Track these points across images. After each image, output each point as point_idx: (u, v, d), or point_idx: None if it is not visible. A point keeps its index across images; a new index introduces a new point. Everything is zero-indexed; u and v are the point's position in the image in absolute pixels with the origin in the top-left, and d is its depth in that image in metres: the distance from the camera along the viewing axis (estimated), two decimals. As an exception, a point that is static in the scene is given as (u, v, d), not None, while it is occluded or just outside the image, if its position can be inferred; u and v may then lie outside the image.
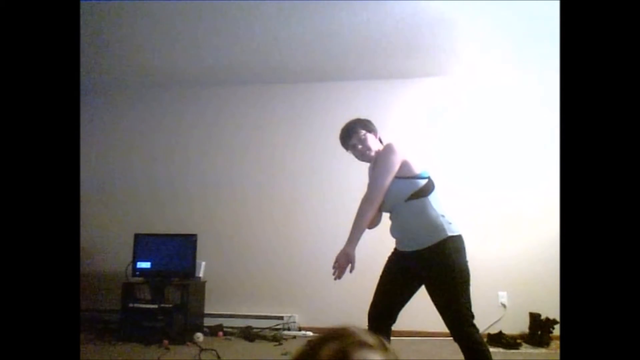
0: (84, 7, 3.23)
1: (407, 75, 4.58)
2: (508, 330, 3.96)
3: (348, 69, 4.50)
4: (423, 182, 2.21)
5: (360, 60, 4.30)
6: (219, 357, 3.45)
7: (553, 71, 4.10)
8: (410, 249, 2.21)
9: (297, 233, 4.55)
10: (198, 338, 3.94)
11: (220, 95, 4.99)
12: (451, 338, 2.13)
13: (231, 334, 4.19)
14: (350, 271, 2.19)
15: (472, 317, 2.09)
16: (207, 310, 4.41)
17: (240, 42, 3.97)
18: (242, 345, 3.90)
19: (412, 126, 4.56)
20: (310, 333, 4.15)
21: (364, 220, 2.20)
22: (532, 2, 3.28)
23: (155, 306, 4.05)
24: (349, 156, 2.45)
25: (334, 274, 2.14)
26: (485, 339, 2.33)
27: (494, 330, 3.98)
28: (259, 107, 4.91)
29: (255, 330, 4.19)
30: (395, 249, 2.34)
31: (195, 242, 4.37)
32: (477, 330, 2.09)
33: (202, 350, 3.60)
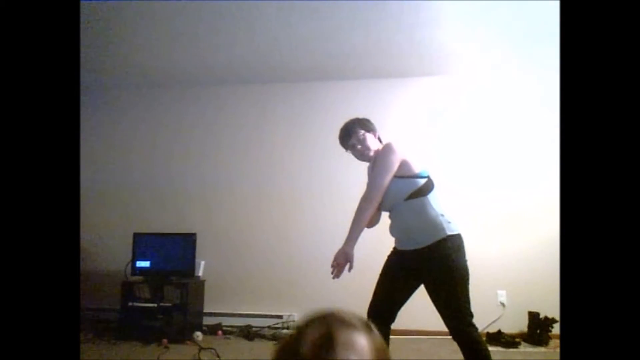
0: (83, 6, 3.23)
1: (406, 74, 4.58)
2: (507, 329, 3.97)
3: (348, 68, 4.50)
4: (422, 181, 2.21)
5: (360, 59, 4.30)
6: (218, 356, 3.45)
7: (553, 71, 4.11)
8: (409, 248, 2.21)
9: (296, 232, 4.55)
10: (197, 337, 3.94)
11: (219, 94, 4.98)
12: (450, 337, 2.13)
13: (230, 332, 4.19)
14: (349, 270, 2.19)
15: (471, 316, 2.10)
16: (206, 309, 4.42)
17: (240, 41, 3.97)
18: (241, 344, 3.91)
19: (411, 125, 4.56)
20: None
21: (363, 219, 2.20)
22: (532, 2, 3.28)
23: (155, 305, 4.05)
24: (348, 155, 2.45)
25: (332, 272, 2.15)
26: (484, 338, 2.34)
27: (493, 329, 3.98)
28: (259, 106, 4.91)
29: (254, 329, 4.19)
30: (395, 248, 2.35)
31: (194, 241, 4.37)
32: (476, 329, 2.09)
33: (201, 349, 3.60)
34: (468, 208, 4.23)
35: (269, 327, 4.26)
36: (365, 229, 2.28)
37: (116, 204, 4.89)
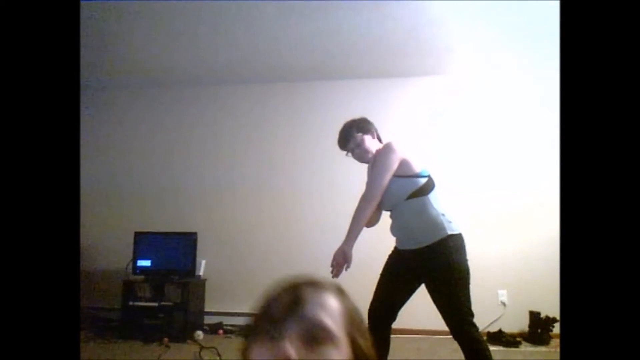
0: (83, 6, 3.23)
1: (407, 74, 4.58)
2: (508, 329, 3.97)
3: (348, 67, 4.50)
4: (423, 180, 2.21)
5: (360, 59, 4.30)
6: (219, 355, 3.45)
7: (553, 71, 4.10)
8: (410, 248, 2.21)
9: (297, 231, 4.55)
10: (198, 336, 3.94)
11: (220, 94, 4.98)
12: (451, 336, 2.13)
13: (231, 332, 4.19)
14: (346, 269, 2.20)
15: (472, 315, 2.10)
16: (207, 308, 4.42)
17: (240, 41, 3.97)
18: (242, 343, 3.90)
19: (412, 125, 4.56)
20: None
21: (362, 218, 2.21)
22: (532, 2, 3.27)
23: (156, 304, 4.05)
24: (348, 156, 2.45)
25: (332, 272, 2.15)
26: (485, 337, 2.34)
27: (493, 329, 3.98)
28: (259, 106, 4.91)
29: (255, 328, 4.19)
30: (396, 248, 2.35)
31: (195, 240, 4.37)
32: (476, 328, 2.09)
33: (202, 348, 3.61)
34: (469, 207, 4.22)
35: (269, 326, 4.25)
36: (366, 228, 2.29)
37: (117, 203, 4.89)
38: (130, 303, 4.07)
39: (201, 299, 4.39)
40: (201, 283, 4.43)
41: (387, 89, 4.67)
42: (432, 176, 2.28)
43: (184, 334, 3.92)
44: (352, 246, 2.19)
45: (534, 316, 3.95)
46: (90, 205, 4.69)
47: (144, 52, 4.24)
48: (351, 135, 2.37)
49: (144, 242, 4.42)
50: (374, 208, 2.23)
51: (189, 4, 3.38)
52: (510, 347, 3.75)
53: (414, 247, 2.19)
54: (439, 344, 3.65)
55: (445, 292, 2.12)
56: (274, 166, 4.75)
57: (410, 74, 4.57)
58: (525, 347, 3.79)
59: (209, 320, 4.35)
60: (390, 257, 2.35)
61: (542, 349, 3.76)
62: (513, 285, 4.18)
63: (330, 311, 0.69)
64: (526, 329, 4.00)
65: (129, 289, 4.16)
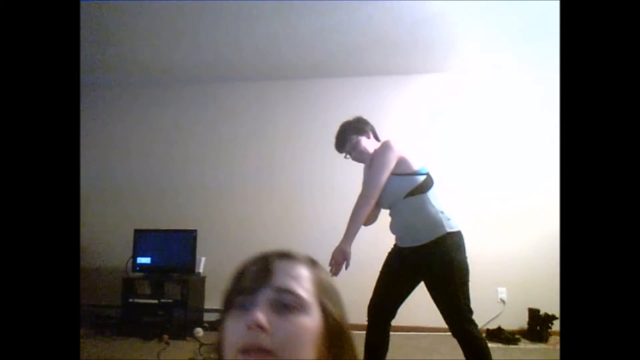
0: (83, 4, 3.22)
1: (407, 72, 4.57)
2: (507, 326, 3.97)
3: (348, 65, 4.49)
4: (421, 178, 2.22)
5: (360, 56, 4.29)
6: (218, 352, 3.45)
7: (553, 70, 4.09)
8: (409, 245, 2.21)
9: (296, 229, 4.55)
10: (198, 333, 3.95)
11: (220, 92, 4.98)
12: (450, 334, 2.14)
13: (231, 329, 4.19)
14: (346, 268, 2.20)
15: (471, 312, 2.10)
16: (207, 306, 4.42)
17: (241, 39, 3.96)
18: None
19: (412, 123, 4.55)
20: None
21: (360, 216, 2.21)
22: (532, 1, 3.27)
23: (155, 301, 4.06)
24: (348, 154, 2.45)
25: (330, 270, 2.15)
26: (484, 335, 2.34)
27: (493, 326, 3.99)
28: (259, 104, 4.90)
29: (254, 325, 4.19)
30: (395, 245, 2.35)
31: (195, 237, 4.37)
32: (476, 325, 2.10)
33: (202, 345, 3.61)
34: (468, 205, 4.22)
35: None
36: (365, 227, 2.29)
37: (117, 201, 4.89)
38: (130, 300, 4.07)
39: (201, 296, 4.40)
40: (201, 280, 4.43)
41: (387, 86, 4.67)
42: (431, 174, 2.28)
43: (183, 331, 3.93)
44: (350, 244, 2.19)
45: (533, 313, 3.95)
46: (90, 203, 4.69)
47: (145, 50, 4.23)
48: (346, 138, 2.37)
49: (143, 239, 4.42)
50: (372, 206, 2.23)
51: (189, 3, 3.37)
52: (509, 344, 3.75)
53: (413, 244, 2.19)
54: (439, 341, 3.66)
55: (444, 290, 2.13)
56: (274, 163, 4.75)
57: (410, 71, 4.57)
58: (525, 345, 3.80)
59: (208, 317, 4.35)
60: (390, 254, 2.35)
61: (541, 346, 3.77)
62: (512, 283, 4.19)
63: (300, 279, 0.70)
64: (525, 326, 4.01)
65: (128, 286, 4.16)
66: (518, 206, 4.29)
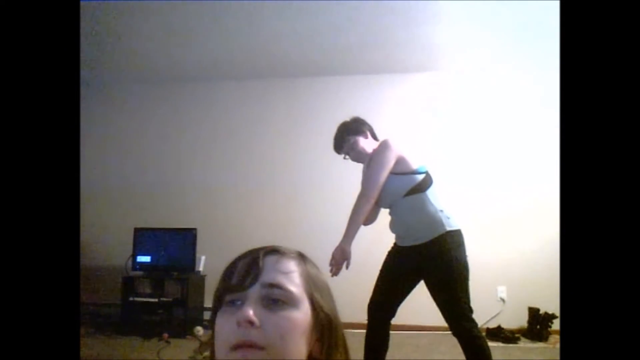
0: (83, 4, 3.22)
1: (406, 70, 4.57)
2: (507, 325, 3.97)
3: (347, 63, 4.49)
4: (420, 177, 2.22)
5: (359, 55, 4.29)
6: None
7: (553, 69, 4.09)
8: (409, 244, 2.21)
9: (296, 228, 4.54)
10: (198, 332, 3.95)
11: (219, 90, 4.98)
12: (450, 332, 2.14)
13: (231, 328, 4.19)
14: (347, 267, 2.20)
15: (471, 311, 2.10)
16: (207, 304, 4.43)
17: (240, 37, 3.96)
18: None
19: (411, 121, 4.55)
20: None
21: (360, 216, 2.21)
22: (531, 0, 3.28)
23: (155, 300, 4.06)
24: (348, 152, 2.45)
25: (330, 271, 2.15)
26: (484, 334, 2.34)
27: (492, 325, 3.99)
28: (259, 102, 4.90)
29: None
30: (395, 244, 2.35)
31: (195, 236, 4.37)
32: (475, 324, 2.10)
33: (202, 344, 3.61)
34: (468, 204, 4.22)
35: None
36: (364, 226, 2.29)
37: (117, 199, 4.89)
38: (130, 299, 4.08)
39: (201, 294, 4.40)
40: (201, 279, 4.43)
41: (387, 85, 4.67)
42: (431, 172, 2.28)
43: (183, 330, 3.93)
44: (350, 244, 2.19)
45: (533, 312, 3.96)
46: (90, 201, 4.68)
47: (144, 48, 4.23)
48: (344, 139, 2.38)
49: (143, 238, 4.42)
50: (371, 206, 2.23)
51: (188, 2, 3.37)
52: (509, 343, 3.76)
53: (412, 243, 2.19)
54: (438, 340, 3.66)
55: (444, 289, 2.13)
56: (274, 162, 4.75)
57: (409, 70, 4.56)
58: (524, 343, 3.80)
59: (208, 316, 4.34)
60: (390, 253, 2.36)
61: (541, 345, 3.77)
62: (512, 282, 4.19)
63: (289, 274, 0.70)
64: (525, 325, 4.01)
65: (128, 284, 4.17)
66: (518, 205, 4.29)
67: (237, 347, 0.63)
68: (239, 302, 0.67)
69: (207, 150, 4.89)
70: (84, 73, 4.63)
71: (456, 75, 4.59)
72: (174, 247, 4.40)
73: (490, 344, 2.15)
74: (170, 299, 4.07)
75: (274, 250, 0.74)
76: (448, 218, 2.16)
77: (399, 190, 2.20)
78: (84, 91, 4.75)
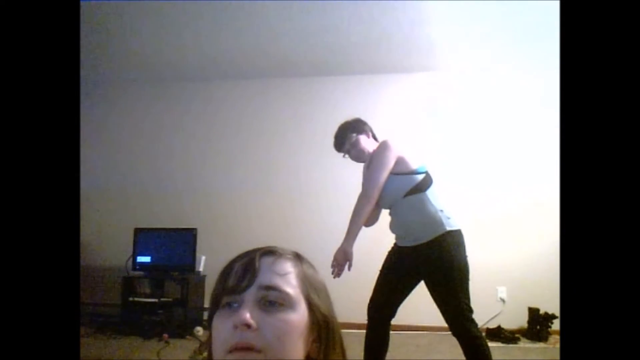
0: (83, 4, 3.22)
1: (407, 70, 4.57)
2: (507, 325, 3.97)
3: (348, 63, 4.49)
4: (420, 177, 2.22)
5: (360, 54, 4.29)
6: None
7: (553, 68, 4.09)
8: (409, 244, 2.21)
9: (297, 228, 4.55)
10: (198, 332, 3.95)
11: (220, 90, 4.98)
12: (450, 333, 2.14)
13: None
14: (349, 269, 2.20)
15: (471, 311, 2.10)
16: (207, 305, 4.39)
17: (241, 36, 3.96)
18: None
19: (411, 121, 4.55)
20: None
21: (361, 216, 2.20)
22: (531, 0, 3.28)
23: (155, 300, 4.06)
24: (348, 152, 2.45)
25: (332, 272, 2.14)
26: (484, 334, 2.34)
27: (492, 325, 3.99)
28: (259, 101, 4.90)
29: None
30: (395, 244, 2.35)
31: (195, 236, 4.37)
32: (475, 325, 2.10)
33: (201, 344, 3.61)
34: (468, 204, 4.22)
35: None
36: (363, 227, 2.28)
37: (117, 199, 4.89)
38: (130, 299, 4.07)
39: (201, 295, 4.39)
40: (201, 279, 4.43)
41: (387, 84, 4.67)
42: (431, 172, 2.28)
43: (183, 330, 3.93)
44: (352, 245, 2.19)
45: (533, 313, 3.95)
46: (90, 201, 4.69)
47: (144, 49, 4.23)
48: (346, 136, 2.37)
49: (143, 238, 4.42)
50: (372, 206, 2.23)
51: (189, 2, 3.37)
52: (509, 343, 3.75)
53: (413, 243, 2.19)
54: (438, 341, 3.66)
55: (444, 289, 2.13)
56: (274, 161, 4.75)
57: (409, 70, 4.56)
58: (524, 344, 3.80)
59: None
60: (390, 253, 2.36)
61: (541, 345, 3.77)
62: (512, 282, 4.19)
63: (285, 276, 0.70)
64: (525, 325, 4.01)
65: (128, 285, 4.16)
66: (518, 205, 4.29)
67: (234, 349, 0.63)
68: (235, 305, 0.67)
69: (208, 150, 4.89)
70: (84, 73, 4.63)
71: (456, 75, 4.58)
72: (174, 247, 4.40)
73: (490, 344, 2.15)
74: (170, 299, 4.07)
75: (270, 252, 0.74)
76: (448, 218, 2.16)
77: (399, 191, 2.20)
78: (84, 91, 4.76)
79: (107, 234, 4.76)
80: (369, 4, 3.39)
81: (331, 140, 2.44)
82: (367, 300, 2.30)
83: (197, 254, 4.39)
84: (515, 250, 4.22)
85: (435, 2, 3.37)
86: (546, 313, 3.86)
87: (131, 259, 4.35)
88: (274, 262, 0.72)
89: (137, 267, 4.33)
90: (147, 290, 4.16)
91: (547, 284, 3.88)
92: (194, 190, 4.81)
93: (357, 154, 2.38)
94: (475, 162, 4.43)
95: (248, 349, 0.62)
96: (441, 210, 2.16)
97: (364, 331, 2.26)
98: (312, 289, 0.72)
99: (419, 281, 2.25)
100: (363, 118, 2.49)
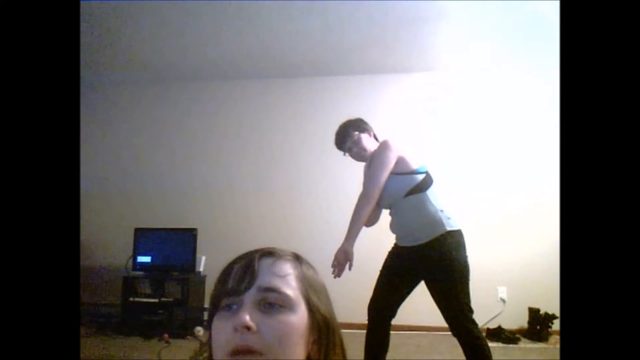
0: (83, 2, 3.22)
1: (407, 70, 4.57)
2: (507, 325, 3.97)
3: (348, 63, 4.49)
4: (420, 177, 2.21)
5: (360, 54, 4.29)
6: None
7: (553, 69, 4.10)
8: (409, 244, 2.21)
9: (297, 228, 4.55)
10: (198, 332, 3.95)
11: (220, 90, 4.98)
12: (450, 333, 2.13)
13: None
14: (349, 269, 2.19)
15: (471, 312, 2.10)
16: (207, 305, 4.39)
17: (241, 37, 3.96)
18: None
19: (411, 121, 4.55)
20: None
21: (362, 216, 2.20)
22: (529, 0, 3.28)
23: (156, 300, 4.06)
24: (348, 152, 2.45)
25: (333, 272, 2.14)
26: (484, 334, 2.33)
27: (493, 325, 3.99)
28: (260, 102, 4.90)
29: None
30: (395, 244, 2.35)
31: (195, 236, 4.37)
32: (476, 325, 2.10)
33: (202, 344, 3.61)
34: (469, 204, 4.22)
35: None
36: (364, 227, 2.28)
37: (117, 199, 4.89)
38: (131, 299, 4.07)
39: (201, 295, 4.39)
40: (201, 279, 4.43)
41: (387, 84, 4.67)
42: (431, 172, 2.28)
43: (184, 330, 3.93)
44: (352, 245, 2.19)
45: (533, 313, 3.95)
46: (90, 201, 4.69)
47: (144, 49, 4.24)
48: (348, 134, 2.37)
49: (144, 238, 4.42)
50: (372, 206, 2.23)
51: (189, 2, 3.37)
52: (509, 343, 3.75)
53: (413, 243, 2.19)
54: (439, 341, 3.66)
55: (444, 289, 2.13)
56: (275, 162, 4.75)
57: (410, 70, 4.56)
58: (525, 344, 3.79)
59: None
60: (390, 253, 2.35)
61: (542, 345, 3.76)
62: (512, 282, 4.19)
63: (285, 277, 0.70)
64: (525, 325, 4.01)
65: (129, 285, 4.16)
66: (518, 205, 4.28)
67: (234, 352, 0.63)
68: (235, 307, 0.67)
69: (208, 150, 4.89)
70: (84, 73, 4.63)
71: (456, 75, 4.58)
72: (174, 247, 4.40)
73: (491, 344, 2.15)
74: (171, 299, 4.07)
75: (269, 253, 0.74)
76: (448, 218, 2.16)
77: (399, 191, 2.20)
78: (83, 91, 4.76)
79: (107, 234, 4.76)
80: (369, 4, 3.39)
81: (331, 140, 2.44)
82: (367, 300, 2.30)
83: (197, 254, 4.39)
84: (515, 250, 4.21)
85: (435, 2, 3.37)
86: (546, 313, 3.86)
87: (131, 259, 4.35)
88: (273, 264, 0.72)
89: (138, 267, 4.33)
90: (148, 291, 4.16)
91: (547, 284, 3.88)
92: (194, 190, 4.81)
93: (358, 153, 2.37)
94: (475, 162, 4.43)
95: (248, 351, 0.62)
96: (441, 210, 2.16)
97: (364, 331, 2.26)
98: (311, 290, 0.72)
99: (419, 281, 2.25)
100: (363, 118, 2.49)
